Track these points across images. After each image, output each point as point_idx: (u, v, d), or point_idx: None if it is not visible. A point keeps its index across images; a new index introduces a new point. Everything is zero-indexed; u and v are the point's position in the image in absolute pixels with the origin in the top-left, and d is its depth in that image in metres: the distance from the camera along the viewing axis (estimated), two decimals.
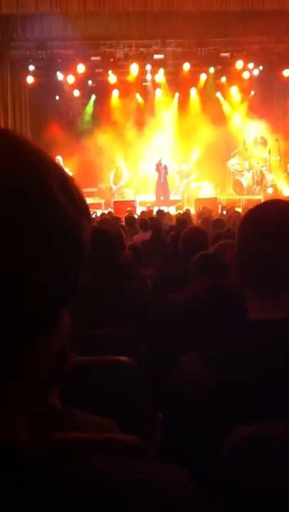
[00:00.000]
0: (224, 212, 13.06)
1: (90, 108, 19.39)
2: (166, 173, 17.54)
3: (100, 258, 2.56)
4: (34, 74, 17.63)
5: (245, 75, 18.53)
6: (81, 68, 17.42)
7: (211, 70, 18.41)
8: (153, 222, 8.39)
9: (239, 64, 17.87)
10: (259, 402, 1.08)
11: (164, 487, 0.57)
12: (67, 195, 0.57)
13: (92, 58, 17.41)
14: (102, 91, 18.85)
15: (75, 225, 0.57)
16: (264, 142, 18.18)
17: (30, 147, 0.58)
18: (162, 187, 17.60)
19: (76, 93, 18.73)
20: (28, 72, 17.49)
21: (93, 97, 19.25)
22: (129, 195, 18.34)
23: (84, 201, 0.61)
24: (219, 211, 14.28)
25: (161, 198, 17.36)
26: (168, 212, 12.82)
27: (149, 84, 19.07)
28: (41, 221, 0.53)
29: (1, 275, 0.51)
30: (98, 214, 12.61)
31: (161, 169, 17.59)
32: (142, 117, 18.93)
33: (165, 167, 17.60)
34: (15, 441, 0.54)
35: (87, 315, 2.31)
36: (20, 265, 0.52)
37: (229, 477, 0.99)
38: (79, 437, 0.61)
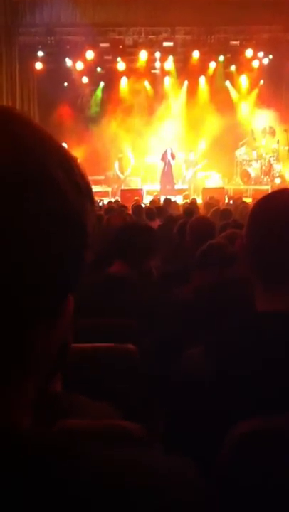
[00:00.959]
0: (231, 202, 13.00)
1: (98, 95, 19.29)
2: (170, 163, 17.47)
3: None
4: (42, 60, 17.54)
5: (255, 63, 18.38)
6: (90, 55, 17.31)
7: (221, 58, 18.27)
8: (162, 211, 8.39)
9: (249, 53, 17.72)
10: (263, 395, 1.08)
11: (167, 483, 0.56)
12: (70, 179, 0.55)
13: (101, 45, 17.30)
14: (111, 78, 18.74)
15: (78, 214, 0.56)
16: (273, 132, 18.04)
17: (32, 129, 0.56)
18: (166, 176, 17.55)
19: (85, 80, 18.62)
20: (36, 59, 17.40)
21: (102, 84, 19.14)
22: (136, 184, 18.29)
23: (88, 185, 0.59)
24: (226, 201, 14.21)
25: (167, 187, 17.32)
26: (174, 202, 12.77)
27: (158, 71, 18.94)
28: (43, 218, 0.52)
29: (2, 264, 0.50)
30: (105, 202, 12.58)
31: (165, 159, 17.53)
32: (150, 105, 18.82)
33: (172, 156, 17.52)
34: (15, 429, 0.54)
35: (107, 306, 2.33)
36: (20, 262, 0.51)
37: (229, 476, 0.99)
38: (79, 425, 0.60)
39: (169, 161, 17.52)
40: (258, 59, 18.25)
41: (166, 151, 17.60)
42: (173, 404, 1.25)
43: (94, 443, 0.57)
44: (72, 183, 0.56)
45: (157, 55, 17.90)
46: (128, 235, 2.69)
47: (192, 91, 19.11)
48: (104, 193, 17.12)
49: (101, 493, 0.52)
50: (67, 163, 0.57)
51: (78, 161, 0.59)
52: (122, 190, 17.03)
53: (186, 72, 18.67)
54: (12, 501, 0.49)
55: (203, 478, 0.60)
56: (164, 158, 17.62)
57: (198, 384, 1.15)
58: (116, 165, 18.28)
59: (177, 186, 17.69)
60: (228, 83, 19.20)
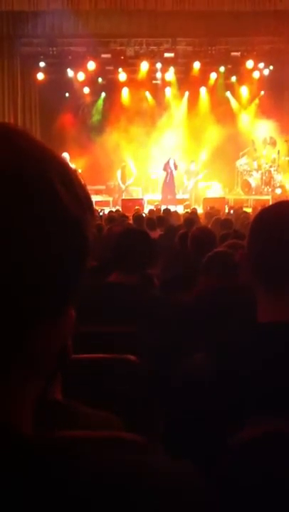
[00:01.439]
0: (231, 212, 13.03)
1: (99, 105, 19.40)
2: (172, 173, 17.53)
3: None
4: (44, 70, 17.65)
5: (256, 74, 18.47)
6: (91, 65, 17.41)
7: (222, 69, 18.38)
8: (163, 221, 8.44)
9: (249, 64, 17.82)
10: (263, 397, 1.08)
11: (167, 483, 0.56)
12: (69, 190, 0.56)
13: (103, 56, 17.41)
14: (112, 89, 18.84)
15: (78, 221, 0.56)
16: (273, 142, 18.11)
17: (32, 142, 0.57)
18: (168, 186, 17.60)
19: (86, 90, 18.73)
20: (38, 69, 17.51)
21: (103, 94, 19.24)
22: (137, 194, 18.34)
23: (87, 196, 0.60)
24: (226, 211, 14.24)
25: (169, 196, 17.37)
26: (175, 211, 12.81)
27: (159, 82, 19.04)
28: (43, 219, 0.53)
29: (2, 264, 0.51)
30: (106, 212, 12.61)
31: (168, 169, 17.59)
32: (151, 116, 18.92)
33: (175, 166, 17.59)
34: (16, 429, 0.54)
35: (108, 311, 2.33)
36: (20, 262, 0.51)
37: (230, 477, 0.99)
38: (80, 434, 0.60)
39: (171, 171, 17.58)
40: (259, 70, 18.34)
41: (168, 161, 17.65)
42: (173, 404, 1.26)
43: (94, 444, 0.57)
44: (72, 194, 0.57)
45: (158, 65, 18.00)
46: (129, 240, 2.69)
47: (193, 102, 19.21)
48: (105, 202, 17.15)
49: (101, 493, 0.52)
50: (67, 175, 0.58)
51: (79, 172, 0.61)
52: (123, 199, 17.07)
53: (187, 82, 18.77)
54: (12, 501, 0.49)
55: (203, 478, 0.59)
56: (166, 168, 17.67)
57: (199, 384, 1.16)
58: (118, 173, 18.29)
59: (178, 196, 17.73)
60: (228, 94, 19.30)
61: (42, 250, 0.52)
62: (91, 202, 0.61)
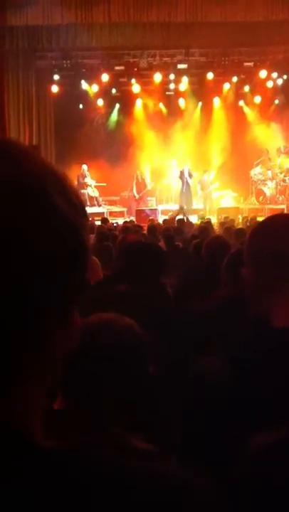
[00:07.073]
0: (248, 224, 12.97)
1: (113, 117, 19.51)
2: (188, 182, 17.51)
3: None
4: (59, 83, 17.80)
5: (269, 84, 18.47)
6: (105, 77, 17.54)
7: (234, 79, 18.41)
8: (179, 232, 8.45)
9: (263, 73, 17.82)
10: (278, 405, 1.08)
11: (179, 485, 0.56)
12: (67, 199, 0.59)
13: (116, 68, 17.54)
14: (126, 100, 18.95)
15: (76, 226, 0.58)
16: (287, 152, 18.06)
17: (30, 155, 0.59)
18: (185, 196, 17.58)
19: (100, 102, 18.86)
20: (52, 81, 17.67)
21: (117, 105, 19.36)
22: (151, 204, 18.34)
23: (82, 203, 0.63)
24: (240, 220, 14.19)
25: (185, 207, 17.34)
26: (190, 221, 12.79)
27: (172, 93, 19.11)
28: (43, 227, 0.55)
29: (3, 275, 0.52)
30: (120, 222, 12.63)
31: (183, 179, 17.58)
32: (165, 126, 18.97)
33: (190, 175, 17.57)
34: (30, 438, 0.54)
35: None
36: (23, 268, 0.53)
37: (243, 485, 0.99)
38: (91, 439, 0.61)
39: (186, 180, 17.55)
40: (272, 79, 18.34)
41: (183, 170, 17.63)
42: (184, 412, 1.26)
43: (103, 450, 0.58)
44: (69, 202, 0.59)
45: (172, 76, 18.07)
46: (140, 255, 2.67)
47: (206, 112, 19.25)
48: (119, 213, 17.19)
49: (104, 495, 0.52)
50: (64, 186, 0.60)
51: (73, 186, 0.63)
52: (137, 209, 17.09)
53: (201, 93, 18.83)
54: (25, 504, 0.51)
55: (214, 487, 0.59)
56: (181, 177, 17.65)
57: (209, 389, 1.15)
58: (134, 184, 18.18)
59: (193, 206, 17.67)
60: (242, 103, 19.31)
61: (44, 255, 0.54)
62: (85, 208, 0.64)
